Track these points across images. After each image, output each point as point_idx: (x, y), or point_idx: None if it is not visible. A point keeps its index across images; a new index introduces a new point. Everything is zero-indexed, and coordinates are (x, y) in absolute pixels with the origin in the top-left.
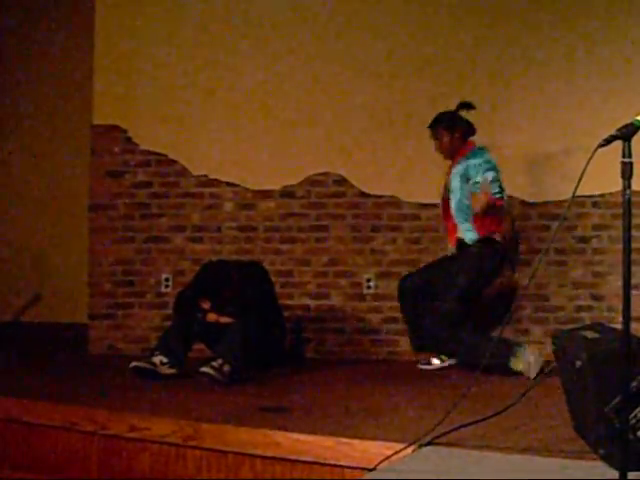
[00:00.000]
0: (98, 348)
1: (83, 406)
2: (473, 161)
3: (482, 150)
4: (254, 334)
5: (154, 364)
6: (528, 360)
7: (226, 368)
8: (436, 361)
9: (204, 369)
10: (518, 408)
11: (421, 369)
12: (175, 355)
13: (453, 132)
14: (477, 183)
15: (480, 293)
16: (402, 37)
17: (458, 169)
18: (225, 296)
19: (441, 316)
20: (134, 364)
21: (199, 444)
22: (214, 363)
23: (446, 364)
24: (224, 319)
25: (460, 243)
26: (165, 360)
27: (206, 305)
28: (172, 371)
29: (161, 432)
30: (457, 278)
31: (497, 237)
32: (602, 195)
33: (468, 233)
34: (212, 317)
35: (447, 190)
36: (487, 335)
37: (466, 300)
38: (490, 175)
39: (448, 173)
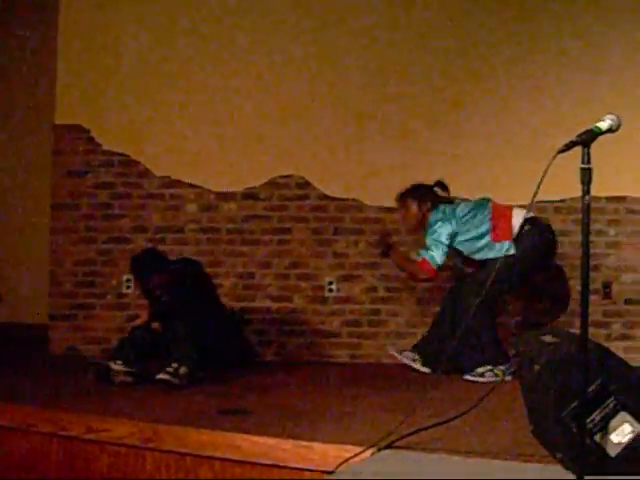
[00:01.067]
0: (58, 349)
1: (42, 407)
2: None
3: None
4: (196, 332)
5: (111, 368)
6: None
7: (182, 370)
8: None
9: (160, 376)
10: (477, 411)
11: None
12: (132, 364)
13: (424, 204)
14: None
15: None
16: (369, 40)
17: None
18: (163, 299)
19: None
20: (92, 361)
21: (158, 446)
22: (169, 368)
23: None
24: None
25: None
26: (123, 368)
27: (158, 327)
28: (129, 379)
29: (120, 434)
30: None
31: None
32: (563, 200)
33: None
34: (155, 326)
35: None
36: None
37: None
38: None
39: None
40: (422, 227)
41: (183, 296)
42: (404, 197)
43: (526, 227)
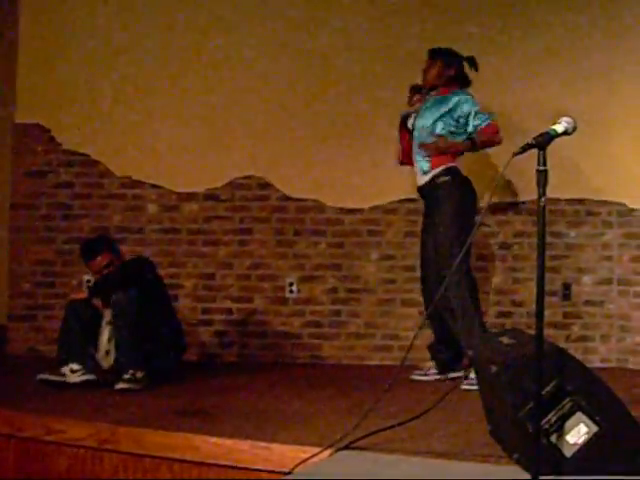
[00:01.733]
0: (18, 350)
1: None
2: (462, 96)
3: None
4: (135, 313)
5: (63, 375)
6: None
7: (139, 375)
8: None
9: (120, 386)
10: (436, 412)
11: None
12: (87, 360)
13: (448, 67)
14: (478, 114)
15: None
16: (332, 41)
17: (437, 100)
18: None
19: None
20: (40, 377)
21: (116, 447)
22: (126, 376)
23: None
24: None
25: (426, 188)
26: (77, 367)
27: (98, 304)
28: (87, 377)
29: (78, 435)
30: (448, 235)
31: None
32: (524, 202)
33: (425, 164)
34: (96, 302)
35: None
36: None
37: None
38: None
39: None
40: (438, 85)
41: (128, 274)
42: (434, 52)
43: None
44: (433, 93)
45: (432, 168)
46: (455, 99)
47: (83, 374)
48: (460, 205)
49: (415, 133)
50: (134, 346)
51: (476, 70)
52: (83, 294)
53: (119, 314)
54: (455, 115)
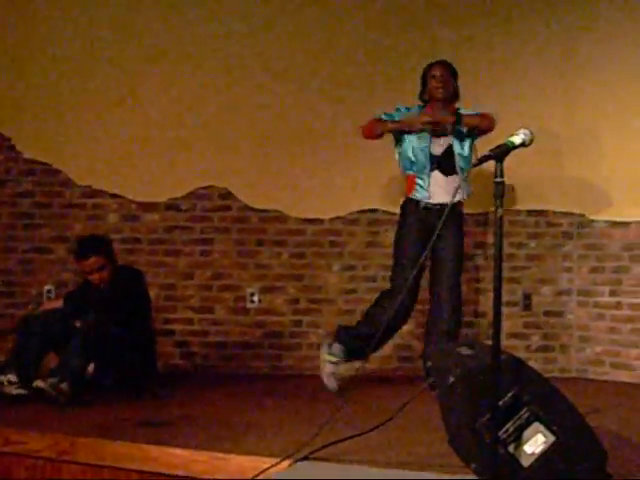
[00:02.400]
0: None
1: None
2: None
3: None
4: (98, 337)
5: (1, 383)
6: None
7: (63, 386)
8: None
9: (37, 383)
10: (396, 423)
11: None
12: (28, 375)
13: (456, 82)
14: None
15: None
16: (291, 49)
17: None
18: (103, 295)
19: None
20: None
21: (75, 458)
22: (50, 379)
23: None
24: (57, 304)
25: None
26: (15, 379)
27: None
28: (21, 392)
29: (37, 446)
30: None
31: None
32: (484, 213)
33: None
34: (46, 304)
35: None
36: None
37: None
38: None
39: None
40: (450, 101)
41: (118, 297)
42: (450, 66)
43: None
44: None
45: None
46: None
47: (19, 387)
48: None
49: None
50: (78, 353)
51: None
52: (57, 303)
53: (84, 334)
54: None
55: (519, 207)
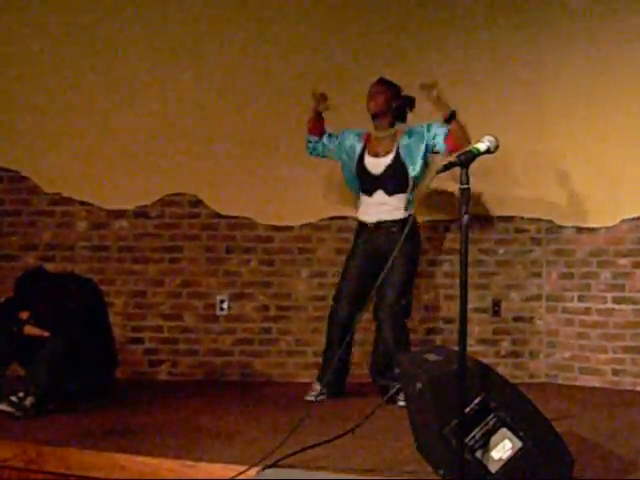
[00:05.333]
0: None
1: None
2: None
3: None
4: (66, 356)
5: None
6: None
7: (28, 401)
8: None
9: (1, 407)
10: (364, 429)
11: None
12: None
13: (394, 99)
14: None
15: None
16: (260, 56)
17: (404, 141)
18: (44, 308)
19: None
20: None
21: (42, 467)
22: (13, 398)
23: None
24: (45, 333)
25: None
26: None
27: (24, 315)
28: None
29: (3, 455)
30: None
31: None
32: (453, 220)
33: (409, 207)
34: (30, 330)
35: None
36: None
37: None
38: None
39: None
40: (385, 116)
41: (71, 313)
42: (385, 81)
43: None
44: (377, 123)
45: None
46: (421, 131)
47: None
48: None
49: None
50: (42, 366)
51: (411, 110)
52: (40, 331)
53: (48, 352)
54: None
55: (488, 213)
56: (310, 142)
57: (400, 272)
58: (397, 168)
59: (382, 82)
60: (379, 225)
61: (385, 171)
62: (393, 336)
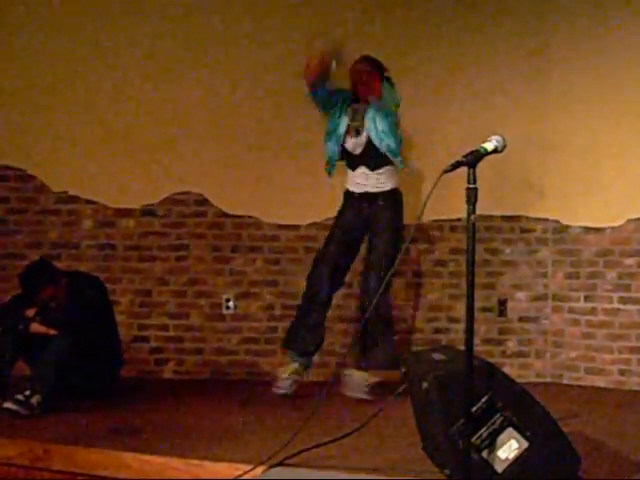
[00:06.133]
0: None
1: None
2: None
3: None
4: (73, 355)
5: None
6: None
7: (34, 400)
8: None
9: (7, 405)
10: (370, 429)
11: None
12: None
13: (379, 78)
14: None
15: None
16: (266, 54)
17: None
18: (51, 305)
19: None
20: None
21: (48, 466)
22: (19, 396)
23: None
24: (51, 331)
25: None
26: None
27: (30, 313)
28: None
29: (9, 453)
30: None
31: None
32: (459, 219)
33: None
34: (36, 328)
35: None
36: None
37: None
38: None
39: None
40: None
41: (77, 309)
42: (375, 64)
43: None
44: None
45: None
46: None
47: None
48: (401, 215)
49: (371, 136)
50: (48, 365)
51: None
52: (46, 330)
53: (55, 350)
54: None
55: (494, 213)
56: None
57: (385, 243)
58: (373, 145)
59: (372, 64)
60: (364, 195)
61: (363, 151)
62: (377, 286)
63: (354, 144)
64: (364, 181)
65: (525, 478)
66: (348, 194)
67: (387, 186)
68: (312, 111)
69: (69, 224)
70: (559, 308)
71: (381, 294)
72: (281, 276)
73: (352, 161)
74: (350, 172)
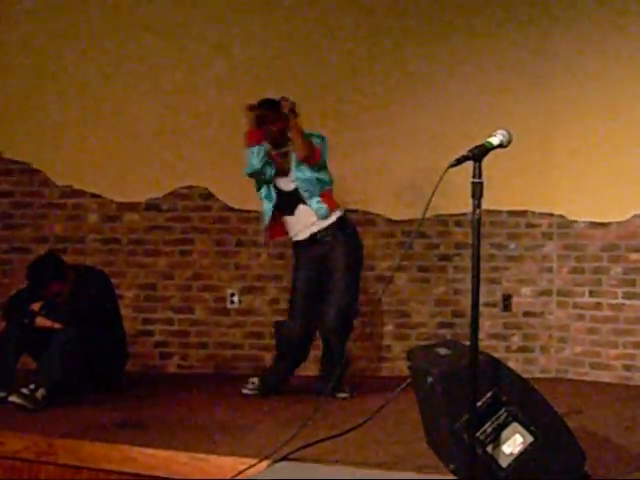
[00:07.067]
0: None
1: None
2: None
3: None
4: (78, 349)
5: None
6: None
7: (40, 393)
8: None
9: (12, 399)
10: (374, 423)
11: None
12: (5, 374)
13: (285, 121)
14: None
15: None
16: (278, 56)
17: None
18: (57, 300)
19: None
20: None
21: (53, 459)
22: (24, 390)
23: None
24: (56, 325)
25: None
26: None
27: (36, 307)
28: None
29: (14, 447)
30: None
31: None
32: (464, 214)
33: (321, 209)
34: (41, 322)
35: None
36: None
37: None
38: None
39: (280, 163)
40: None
41: (83, 305)
42: (273, 104)
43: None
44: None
45: (332, 211)
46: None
47: None
48: (357, 247)
49: (299, 185)
50: (54, 358)
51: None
52: (50, 323)
53: (60, 344)
54: None
55: (499, 207)
56: (254, 154)
57: (340, 286)
58: (304, 179)
59: (270, 109)
60: (313, 238)
61: (296, 187)
62: (337, 352)
63: (285, 182)
64: (305, 222)
65: (530, 473)
66: (297, 243)
67: (331, 219)
68: (318, 109)
69: (74, 218)
70: (564, 303)
71: (346, 322)
72: (285, 270)
73: (287, 203)
74: (288, 218)
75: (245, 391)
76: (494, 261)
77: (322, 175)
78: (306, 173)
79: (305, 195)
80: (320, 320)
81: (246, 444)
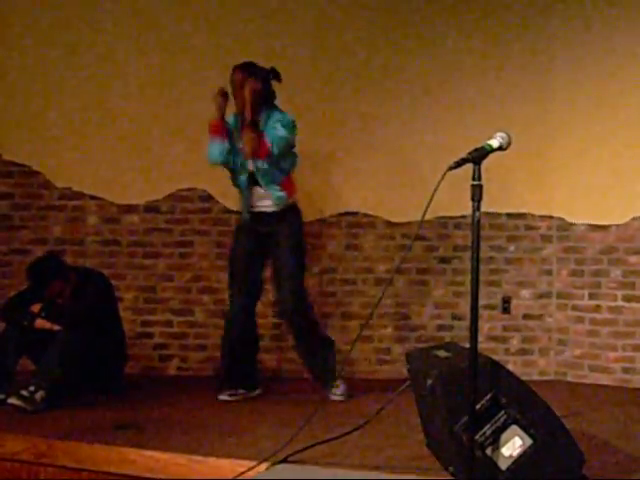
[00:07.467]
0: None
1: None
2: (276, 115)
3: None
4: (78, 351)
5: None
6: None
7: (39, 395)
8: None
9: (11, 400)
10: (373, 425)
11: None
12: (5, 376)
13: (263, 84)
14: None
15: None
16: (276, 52)
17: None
18: (57, 301)
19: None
20: None
21: (53, 461)
22: (24, 392)
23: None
24: (55, 327)
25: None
26: None
27: (36, 309)
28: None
29: (13, 449)
30: (291, 255)
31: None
32: (464, 216)
33: (278, 195)
34: (41, 324)
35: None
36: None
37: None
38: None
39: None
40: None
41: (82, 307)
42: (245, 68)
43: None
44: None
45: (288, 197)
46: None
47: None
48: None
49: (256, 173)
50: (54, 359)
51: (279, 81)
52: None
53: (60, 346)
54: None
55: (498, 210)
56: (215, 146)
57: (289, 266)
58: (261, 169)
59: (242, 70)
60: (258, 215)
61: (257, 169)
62: (302, 333)
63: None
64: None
65: (529, 475)
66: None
67: (281, 205)
68: (319, 110)
69: (73, 220)
70: (563, 306)
71: (302, 300)
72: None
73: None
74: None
75: (222, 397)
76: (493, 264)
77: (283, 164)
78: (263, 164)
79: (263, 182)
80: (278, 305)
81: (245, 446)
